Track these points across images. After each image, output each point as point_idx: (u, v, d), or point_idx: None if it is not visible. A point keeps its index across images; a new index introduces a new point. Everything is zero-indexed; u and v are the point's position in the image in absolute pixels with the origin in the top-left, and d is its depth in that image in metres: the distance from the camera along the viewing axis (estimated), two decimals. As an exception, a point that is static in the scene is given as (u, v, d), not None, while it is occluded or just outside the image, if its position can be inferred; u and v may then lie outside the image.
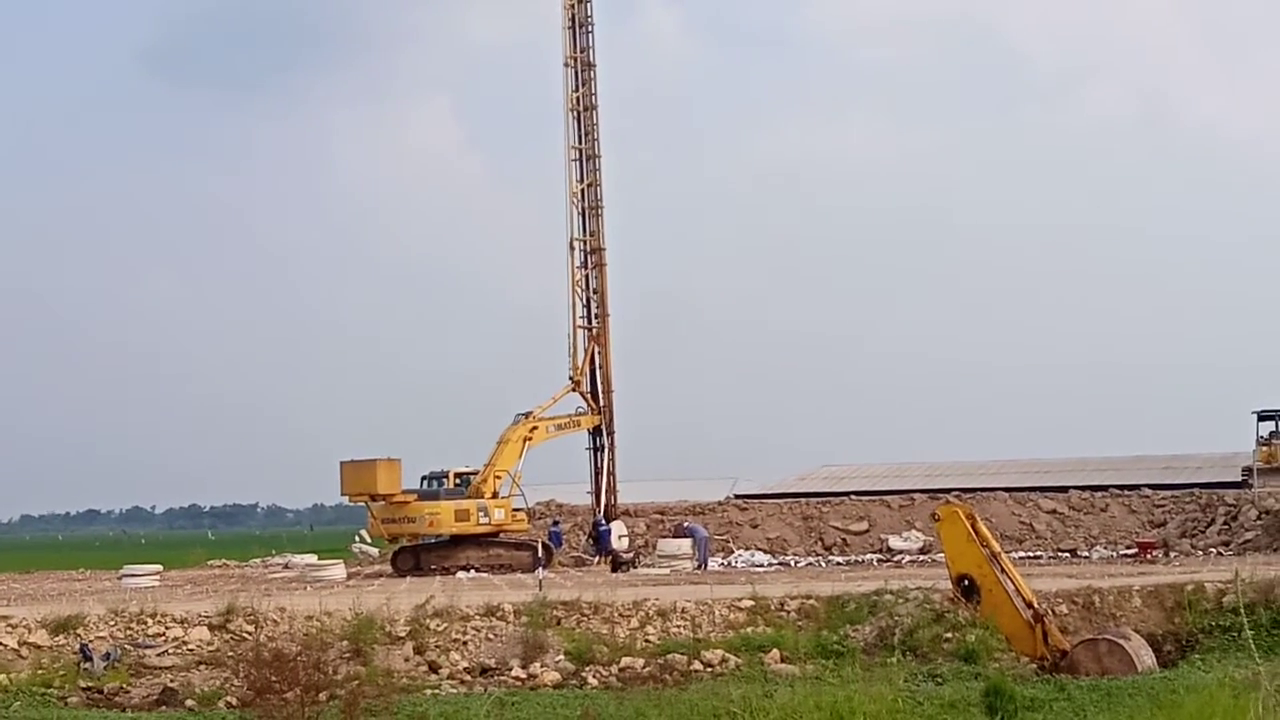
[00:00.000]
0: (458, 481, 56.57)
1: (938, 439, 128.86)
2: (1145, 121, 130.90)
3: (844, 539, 61.04)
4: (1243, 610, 30.00)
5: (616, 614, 33.05)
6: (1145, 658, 28.96)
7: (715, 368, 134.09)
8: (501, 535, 55.88)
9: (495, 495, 56.00)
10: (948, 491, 62.45)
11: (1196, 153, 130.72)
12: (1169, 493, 62.39)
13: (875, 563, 54.40)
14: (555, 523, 61.21)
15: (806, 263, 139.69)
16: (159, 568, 54.18)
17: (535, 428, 57.83)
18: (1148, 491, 62.86)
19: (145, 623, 32.88)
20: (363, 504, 56.82)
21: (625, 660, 30.75)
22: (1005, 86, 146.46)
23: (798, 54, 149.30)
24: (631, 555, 55.32)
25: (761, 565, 54.98)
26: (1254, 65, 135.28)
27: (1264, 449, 64.33)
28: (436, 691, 28.65)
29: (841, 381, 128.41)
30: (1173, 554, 52.48)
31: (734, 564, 56.24)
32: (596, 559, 56.90)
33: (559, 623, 32.75)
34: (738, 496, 70.19)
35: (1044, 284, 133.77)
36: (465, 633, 32.39)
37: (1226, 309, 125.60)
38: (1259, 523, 54.54)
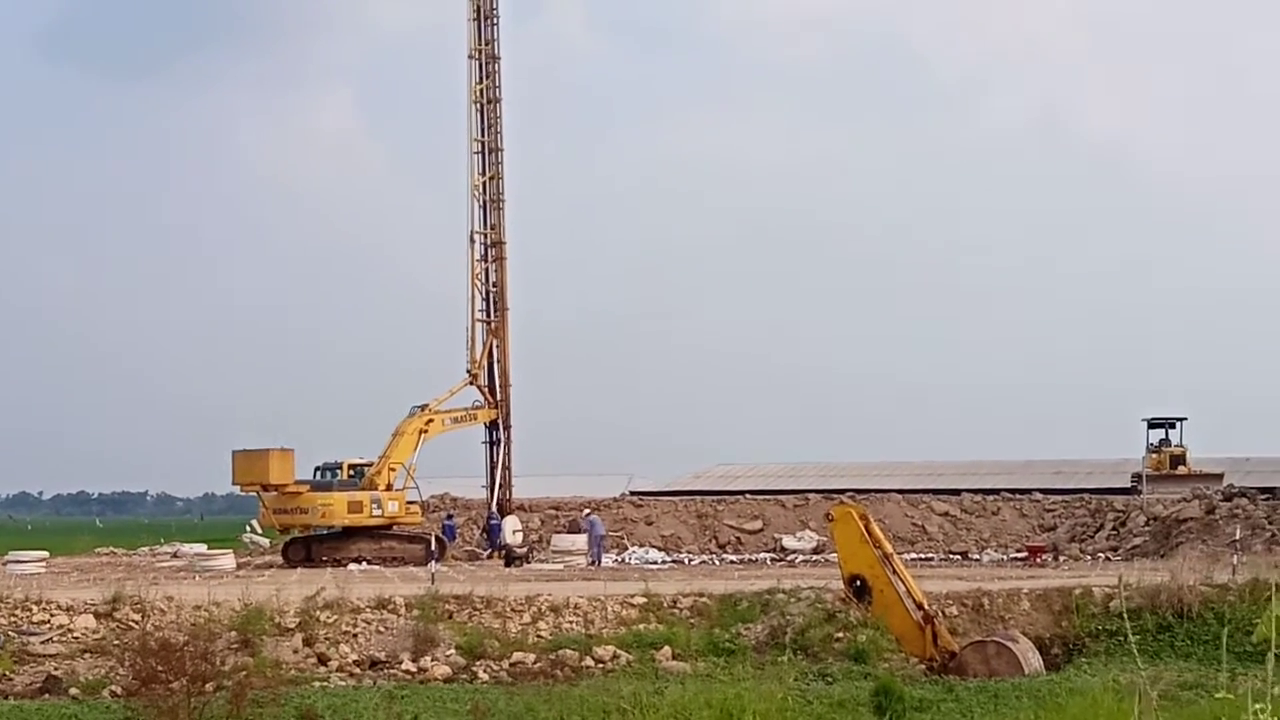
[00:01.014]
0: (351, 473, 56.15)
1: (833, 440, 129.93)
2: (1040, 133, 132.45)
3: (738, 538, 61.24)
4: (1125, 615, 30.34)
5: (509, 609, 32.87)
6: (1032, 660, 29.21)
7: (613, 365, 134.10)
8: (395, 528, 55.46)
9: (389, 487, 55.58)
10: (842, 492, 62.81)
11: (1090, 166, 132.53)
12: (1059, 498, 63.19)
13: (769, 562, 54.61)
14: (449, 516, 60.95)
15: (705, 263, 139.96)
16: (45, 554, 53.34)
17: (431, 420, 57.48)
18: (1039, 496, 63.60)
19: (30, 609, 32.26)
20: (254, 494, 56.23)
21: (516, 655, 30.57)
22: (908, 91, 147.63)
23: (704, 52, 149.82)
24: (525, 550, 55.11)
25: (655, 562, 55.02)
26: (1149, 81, 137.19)
27: (1153, 456, 65.38)
28: (325, 684, 28.35)
29: (738, 381, 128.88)
30: (1062, 558, 53.12)
31: (628, 561, 56.22)
32: (489, 553, 56.66)
33: (450, 616, 32.52)
34: (633, 493, 70.22)
35: (941, 290, 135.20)
36: (356, 625, 32.06)
37: (1118, 319, 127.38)
38: (1147, 529, 55.26)
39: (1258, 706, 4.79)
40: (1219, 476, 60.87)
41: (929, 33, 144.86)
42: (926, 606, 30.83)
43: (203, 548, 60.75)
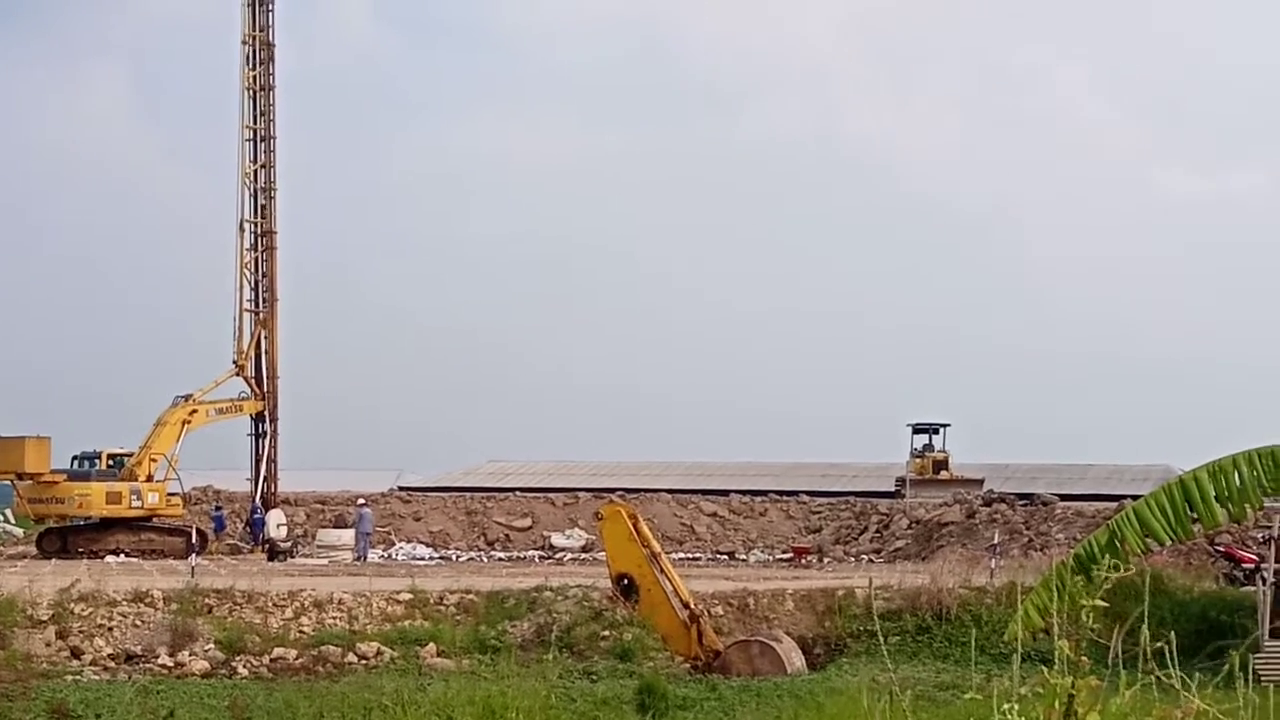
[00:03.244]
0: (111, 463, 54.66)
1: (604, 439, 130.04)
2: (808, 145, 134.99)
3: (507, 535, 61.07)
4: (876, 617, 30.83)
5: (271, 604, 32.34)
6: (795, 660, 29.55)
7: (384, 360, 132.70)
8: (155, 520, 54.11)
9: (150, 478, 54.23)
10: (612, 491, 62.91)
11: (860, 178, 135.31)
12: (826, 500, 64.12)
13: (537, 559, 54.52)
14: (218, 508, 59.68)
15: (475, 259, 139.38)
16: None
17: (195, 411, 56.21)
18: (805, 498, 64.43)
19: None
20: (8, 482, 54.51)
21: (277, 651, 30.09)
22: (682, 97, 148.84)
23: (489, 50, 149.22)
24: (289, 544, 54.28)
25: (423, 559, 54.59)
26: (919, 92, 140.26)
27: (917, 460, 66.63)
28: (78, 677, 27.58)
29: (510, 378, 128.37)
30: (826, 559, 53.86)
31: (394, 557, 55.66)
32: (252, 547, 55.63)
33: (210, 611, 31.88)
34: (401, 489, 69.57)
35: (704, 289, 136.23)
36: (111, 618, 31.24)
37: (883, 326, 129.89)
38: (909, 531, 56.34)
39: (1007, 706, 4.79)
40: (979, 482, 62.20)
41: (703, 38, 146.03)
42: (693, 606, 31.00)
43: (-47, 537, 58.72)
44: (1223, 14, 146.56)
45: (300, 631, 31.33)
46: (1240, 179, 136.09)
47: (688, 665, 29.82)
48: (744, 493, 65.36)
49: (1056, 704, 4.64)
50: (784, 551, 56.91)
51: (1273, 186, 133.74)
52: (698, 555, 56.65)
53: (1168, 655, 5.40)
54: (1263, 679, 6.91)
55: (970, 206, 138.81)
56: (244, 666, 29.38)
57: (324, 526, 57.21)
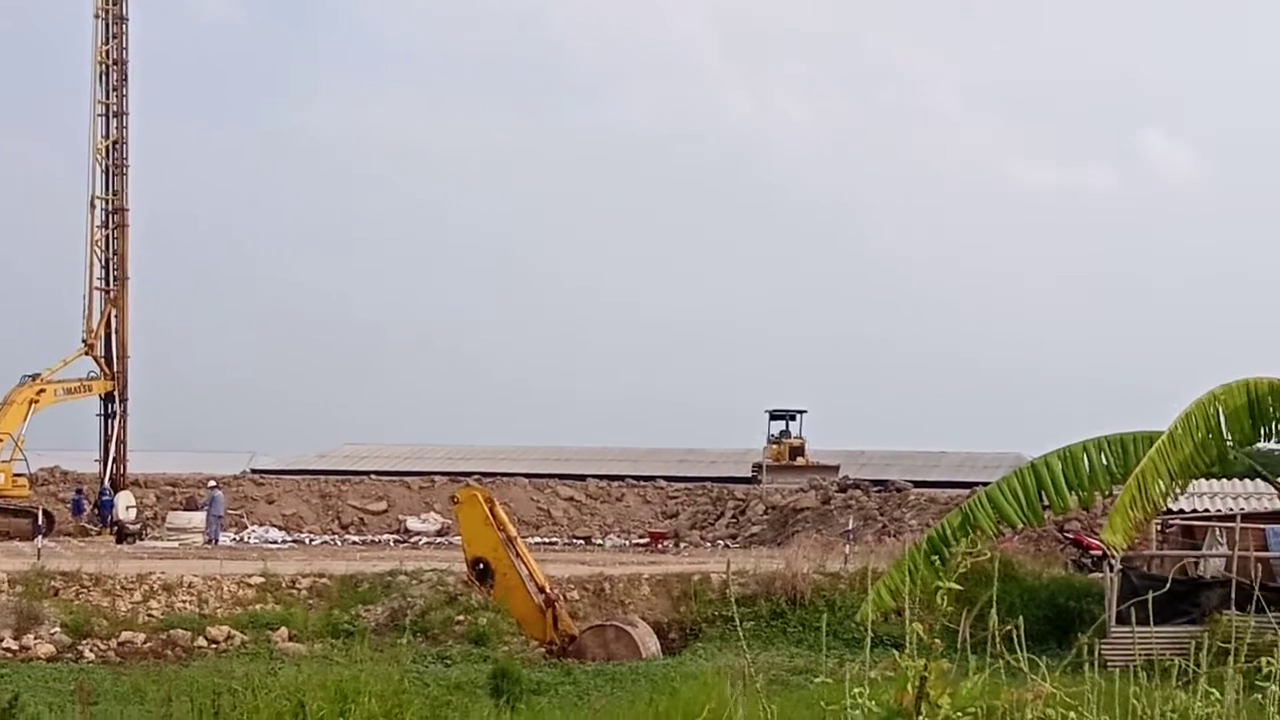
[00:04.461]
0: (-46, 443, 53.44)
1: (460, 423, 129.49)
2: (668, 133, 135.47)
3: (362, 518, 60.55)
4: (732, 602, 30.99)
5: (119, 587, 31.84)
6: (650, 644, 29.64)
7: (238, 340, 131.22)
8: (0, 501, 53.01)
9: (-5, 459, 53.12)
10: (469, 475, 62.65)
11: (720, 167, 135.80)
12: (683, 485, 64.29)
13: (392, 543, 54.14)
14: (79, 491, 58.42)
15: (331, 238, 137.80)
16: None
17: (43, 390, 55.08)
18: (662, 483, 64.58)
19: None
20: None
21: (126, 634, 29.68)
22: (549, 81, 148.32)
23: (359, 32, 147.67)
24: (138, 527, 53.42)
25: (275, 542, 53.98)
26: (782, 81, 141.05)
27: (774, 447, 67.03)
28: (-83, 662, 26.95)
29: (366, 361, 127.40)
30: (683, 545, 54.06)
31: (246, 540, 54.98)
32: (100, 529, 54.63)
33: (57, 594, 31.34)
34: (254, 471, 68.71)
35: (567, 274, 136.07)
36: (-47, 602, 30.57)
37: (741, 312, 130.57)
38: (765, 517, 56.71)
39: (856, 691, 4.77)
40: (835, 468, 62.73)
41: (570, 24, 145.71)
42: (548, 590, 30.98)
43: None
44: (1074, 10, 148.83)
45: (149, 615, 30.91)
46: (1089, 173, 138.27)
47: (543, 650, 29.81)
48: (601, 477, 65.36)
49: (909, 687, 4.62)
50: (640, 536, 57.03)
51: (1120, 181, 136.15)
52: (554, 540, 56.58)
53: (1016, 640, 5.42)
54: (1109, 664, 6.98)
55: (825, 198, 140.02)
56: (91, 650, 28.96)
57: (174, 509, 56.29)
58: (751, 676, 5.63)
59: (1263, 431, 18.74)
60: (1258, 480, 29.98)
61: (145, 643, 29.41)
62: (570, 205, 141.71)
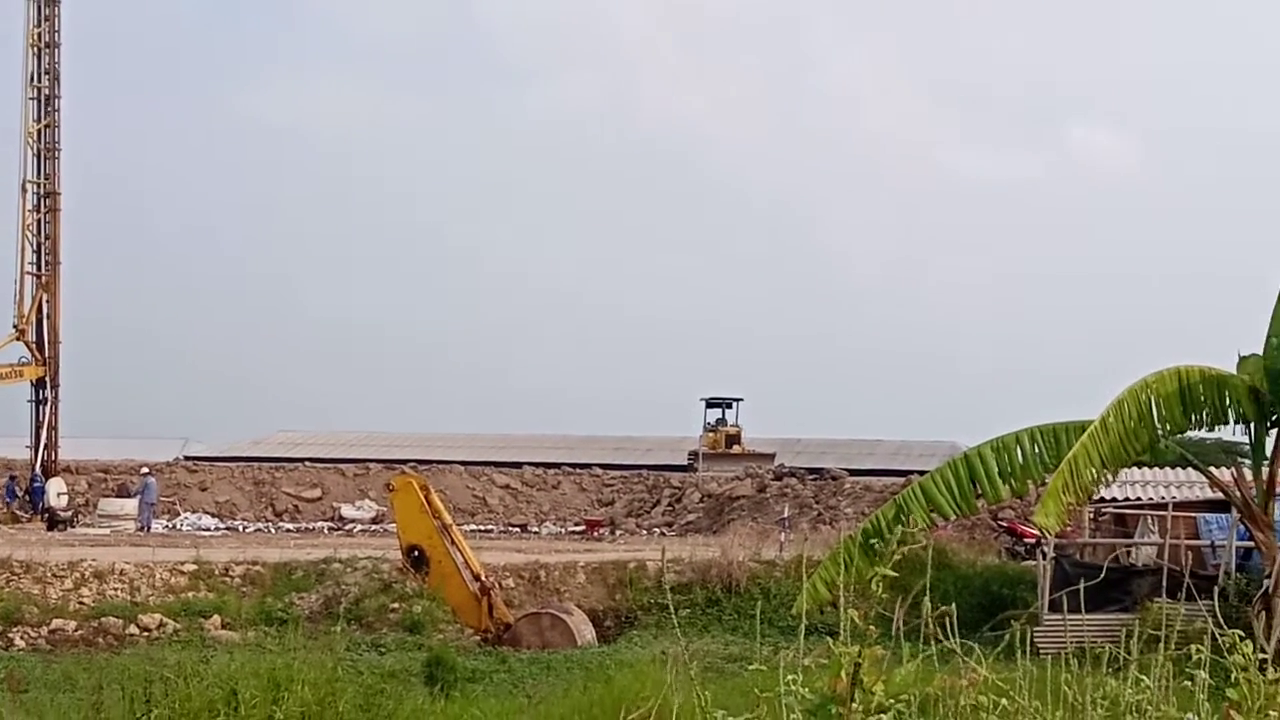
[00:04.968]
0: (-118, 429, 52.88)
1: (396, 411, 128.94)
2: (604, 123, 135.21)
3: (296, 505, 60.27)
4: (668, 590, 31.05)
5: (50, 574, 31.58)
6: (586, 632, 29.66)
7: (170, 326, 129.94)
8: (-74, 487, 52.55)
9: (-77, 445, 52.63)
10: (404, 462, 62.46)
11: (654, 155, 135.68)
12: (619, 473, 64.38)
13: (327, 531, 53.94)
14: (11, 478, 57.71)
15: (264, 222, 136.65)
16: None
17: (-27, 376, 54.62)
18: (598, 471, 64.62)
19: None
20: None
21: (56, 622, 29.45)
22: (478, 67, 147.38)
23: (282, 16, 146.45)
24: (70, 514, 53.00)
25: (208, 529, 53.68)
26: (721, 71, 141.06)
27: (710, 435, 67.23)
28: None
29: (301, 347, 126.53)
30: (619, 532, 54.11)
31: (179, 527, 54.63)
32: (30, 516, 54.16)
33: (-13, 581, 31.02)
34: (188, 458, 68.32)
35: (502, 263, 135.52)
36: (-121, 590, 30.25)
37: (679, 302, 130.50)
38: (700, 505, 56.83)
39: (790, 677, 4.77)
40: (771, 456, 62.96)
41: (502, 11, 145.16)
42: (484, 578, 30.95)
43: None
44: (1014, 4, 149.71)
45: (80, 603, 30.68)
46: (1024, 166, 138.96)
47: (478, 637, 29.78)
48: (537, 465, 65.36)
49: (843, 674, 4.62)
50: (576, 524, 57.05)
51: (1052, 174, 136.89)
52: (490, 527, 56.54)
53: (949, 626, 5.44)
54: (1041, 651, 7.02)
55: (762, 190, 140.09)
56: (21, 638, 28.75)
57: (106, 496, 55.90)
58: (686, 664, 5.62)
59: (1193, 419, 18.95)
60: (1189, 469, 30.22)
61: (76, 630, 29.21)
62: (503, 193, 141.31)
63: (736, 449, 66.11)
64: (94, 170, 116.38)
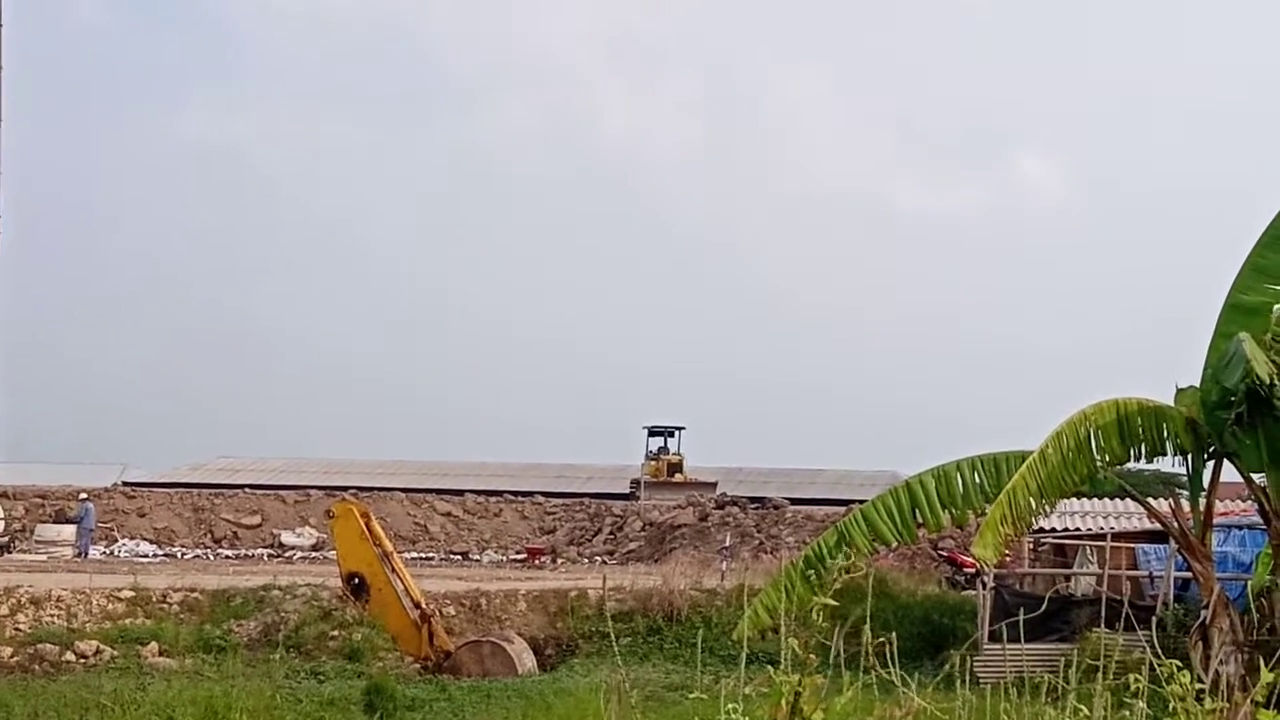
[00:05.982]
0: None
1: (337, 437, 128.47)
2: (552, 140, 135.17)
3: (235, 532, 59.88)
4: (609, 618, 31.00)
5: (-15, 600, 31.23)
6: (526, 660, 29.58)
7: (109, 350, 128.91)
8: None
9: None
10: (345, 489, 62.05)
11: (595, 183, 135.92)
12: (560, 501, 64.27)
13: (266, 558, 53.59)
14: None
15: (205, 245, 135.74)
16: None
17: (-90, 400, 54.06)
18: (540, 499, 64.49)
19: None
20: None
21: (-9, 649, 29.08)
22: (422, 90, 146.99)
23: (220, 37, 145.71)
24: (6, 539, 52.54)
25: (146, 556, 53.28)
26: (661, 92, 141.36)
27: (652, 463, 67.25)
28: None
29: (240, 372, 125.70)
30: (560, 560, 54.01)
31: (117, 553, 54.21)
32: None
33: (-80, 608, 30.68)
34: (126, 484, 67.81)
35: (445, 289, 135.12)
36: None
37: (617, 328, 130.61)
38: (642, 533, 56.79)
39: (730, 706, 4.79)
40: (713, 485, 63.01)
41: (442, 34, 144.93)
42: (424, 606, 30.83)
43: None
44: (946, 30, 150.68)
45: (16, 629, 30.35)
46: (962, 198, 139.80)
47: (418, 665, 29.65)
48: (479, 493, 65.18)
49: (783, 702, 4.64)
50: (518, 552, 56.93)
51: (993, 202, 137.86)
52: (431, 555, 56.32)
53: (890, 655, 5.47)
54: (981, 680, 7.06)
55: (696, 215, 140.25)
56: (-45, 665, 28.37)
57: (44, 521, 55.41)
58: (626, 692, 5.63)
59: (1132, 451, 19.09)
60: (1128, 500, 30.47)
61: (12, 657, 28.88)
62: (442, 217, 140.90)
63: (678, 477, 66.12)
64: (33, 192, 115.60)
